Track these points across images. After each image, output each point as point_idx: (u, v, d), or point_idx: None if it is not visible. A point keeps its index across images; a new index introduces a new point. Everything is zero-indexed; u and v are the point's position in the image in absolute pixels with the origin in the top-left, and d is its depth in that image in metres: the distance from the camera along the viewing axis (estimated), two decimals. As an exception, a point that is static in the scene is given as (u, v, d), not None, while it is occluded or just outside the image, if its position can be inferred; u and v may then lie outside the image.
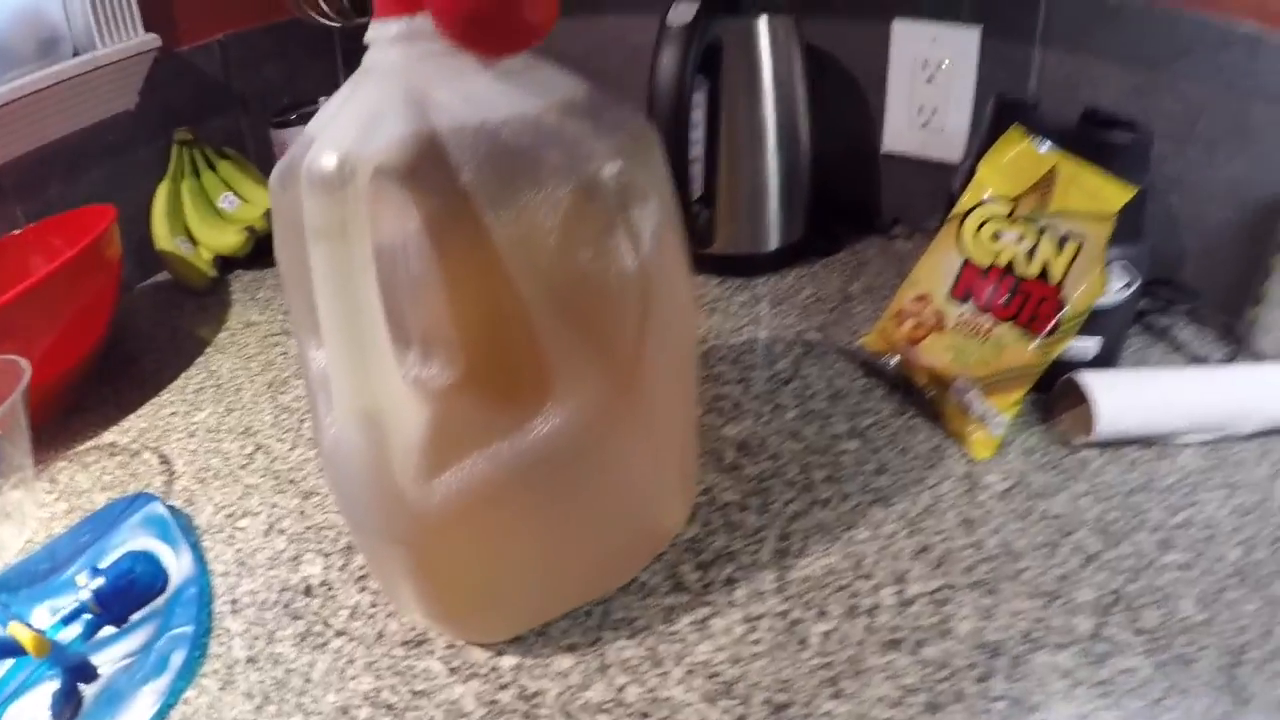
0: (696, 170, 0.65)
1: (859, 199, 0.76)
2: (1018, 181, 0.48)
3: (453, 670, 0.38)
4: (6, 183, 0.71)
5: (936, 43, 0.63)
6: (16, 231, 0.71)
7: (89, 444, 0.60)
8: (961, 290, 0.49)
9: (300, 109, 0.75)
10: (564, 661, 0.38)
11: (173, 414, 0.61)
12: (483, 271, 0.29)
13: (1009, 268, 0.47)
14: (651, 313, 0.33)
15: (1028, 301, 0.46)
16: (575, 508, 0.36)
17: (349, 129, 0.29)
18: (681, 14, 0.57)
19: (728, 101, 0.62)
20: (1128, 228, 0.46)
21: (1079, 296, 0.45)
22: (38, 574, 0.50)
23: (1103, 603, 0.37)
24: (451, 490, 0.31)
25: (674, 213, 0.36)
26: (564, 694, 0.36)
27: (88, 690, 0.42)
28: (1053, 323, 0.45)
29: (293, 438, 0.57)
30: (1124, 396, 0.45)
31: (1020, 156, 0.49)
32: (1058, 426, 0.48)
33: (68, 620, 0.44)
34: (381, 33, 0.31)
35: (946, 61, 0.63)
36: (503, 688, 0.37)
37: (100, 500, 0.55)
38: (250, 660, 0.41)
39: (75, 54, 0.75)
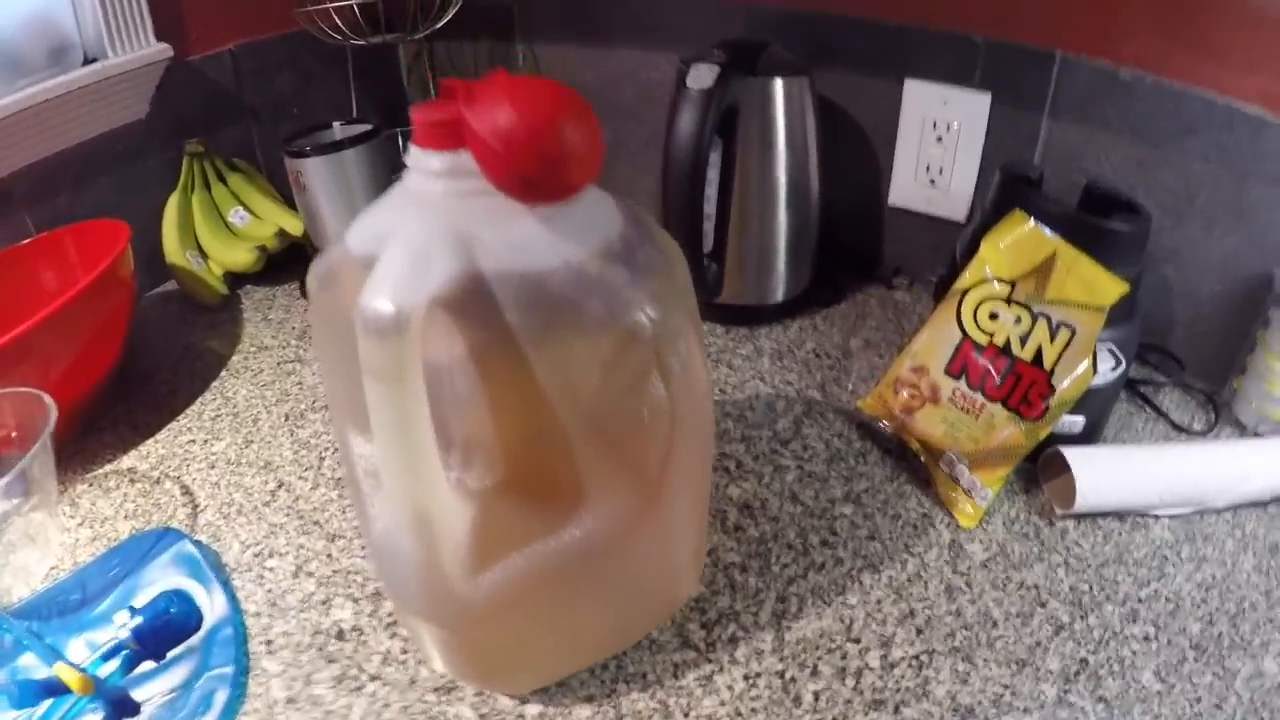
0: (708, 226, 0.71)
1: (862, 248, 0.83)
2: (1018, 264, 0.54)
3: (481, 716, 0.45)
4: (17, 191, 0.76)
5: (947, 105, 0.69)
6: (26, 241, 0.76)
7: (108, 468, 0.66)
8: (958, 367, 0.56)
9: (313, 134, 0.80)
10: (583, 711, 0.44)
11: (191, 441, 0.67)
12: (523, 394, 0.35)
13: (1005, 348, 0.54)
14: (678, 433, 0.39)
15: (1019, 383, 0.53)
16: (599, 591, 0.42)
17: (399, 270, 0.33)
18: (701, 78, 0.63)
19: (741, 160, 0.69)
20: (1120, 310, 0.52)
21: (1068, 386, 0.52)
22: (69, 605, 0.56)
23: (1069, 671, 0.44)
24: (493, 587, 0.38)
25: (698, 330, 0.42)
26: (582, 742, 0.43)
27: None
28: (1041, 407, 0.52)
29: (313, 476, 0.63)
30: (1103, 474, 0.52)
31: (1022, 240, 0.54)
32: (1040, 497, 0.55)
33: (107, 656, 0.50)
34: (424, 162, 0.35)
35: (956, 123, 0.70)
36: (526, 734, 0.44)
37: (124, 529, 0.61)
38: (290, 700, 0.47)
39: (87, 62, 0.80)
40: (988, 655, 0.45)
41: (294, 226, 0.84)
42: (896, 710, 0.43)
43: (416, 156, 0.35)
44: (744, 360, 0.72)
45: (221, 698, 0.48)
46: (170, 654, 0.51)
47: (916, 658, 0.45)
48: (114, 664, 0.50)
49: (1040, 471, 0.56)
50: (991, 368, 0.54)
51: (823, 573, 0.52)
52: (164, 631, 0.51)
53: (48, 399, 0.57)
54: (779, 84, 0.67)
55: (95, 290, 0.64)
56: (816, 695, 0.44)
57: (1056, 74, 0.64)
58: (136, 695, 0.49)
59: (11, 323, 0.62)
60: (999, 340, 0.54)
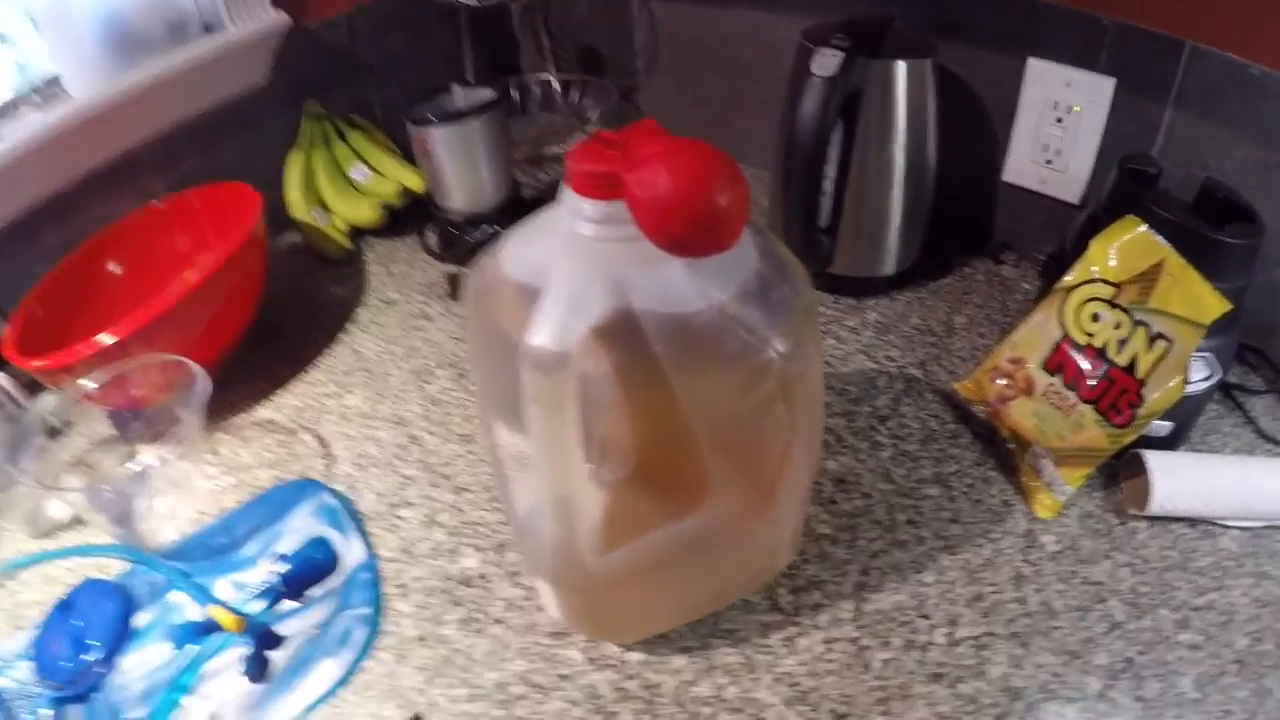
0: (824, 202, 0.79)
1: (974, 222, 0.90)
2: (1125, 267, 0.61)
3: (591, 660, 0.58)
4: (145, 160, 0.90)
5: (1070, 87, 0.75)
6: (157, 205, 0.89)
7: (245, 418, 0.81)
8: (1054, 363, 0.64)
9: (434, 98, 0.92)
10: (679, 661, 0.58)
11: (325, 395, 0.83)
12: (661, 406, 0.45)
13: (1102, 351, 0.61)
14: (795, 442, 0.50)
15: (1111, 388, 0.61)
16: (708, 567, 0.55)
17: (559, 312, 0.42)
18: (826, 65, 0.70)
19: (861, 140, 0.76)
20: (1221, 321, 0.58)
21: (1157, 398, 0.59)
22: (215, 548, 0.71)
23: (1115, 668, 0.54)
24: (618, 564, 0.51)
25: (816, 344, 0.53)
26: (678, 687, 0.56)
27: (275, 655, 0.62)
28: (1129, 415, 0.60)
29: (442, 431, 0.77)
30: (1180, 482, 0.60)
31: (1132, 244, 0.61)
32: (1118, 494, 0.64)
33: (255, 597, 0.64)
34: (580, 208, 0.43)
35: (1077, 106, 0.75)
36: (630, 678, 0.57)
37: (264, 477, 0.75)
38: (420, 639, 0.61)
39: (205, 30, 0.92)
40: (1043, 644, 0.56)
41: (416, 184, 0.97)
42: (953, 685, 0.54)
43: (573, 201, 0.43)
44: (849, 332, 0.82)
45: (360, 635, 0.62)
46: (311, 594, 0.66)
47: (978, 638, 0.56)
48: (261, 603, 0.64)
49: (1121, 469, 0.65)
50: (1087, 369, 0.62)
51: (905, 550, 0.62)
52: (307, 575, 0.66)
53: (196, 367, 0.71)
54: (902, 67, 0.74)
55: (235, 257, 0.78)
56: (884, 664, 0.56)
57: (1185, 64, 0.68)
58: (279, 630, 0.63)
59: (147, 280, 0.76)
60: (1098, 342, 0.62)
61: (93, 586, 0.68)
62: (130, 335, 0.72)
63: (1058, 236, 0.73)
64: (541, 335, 0.42)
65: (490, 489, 0.72)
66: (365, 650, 0.61)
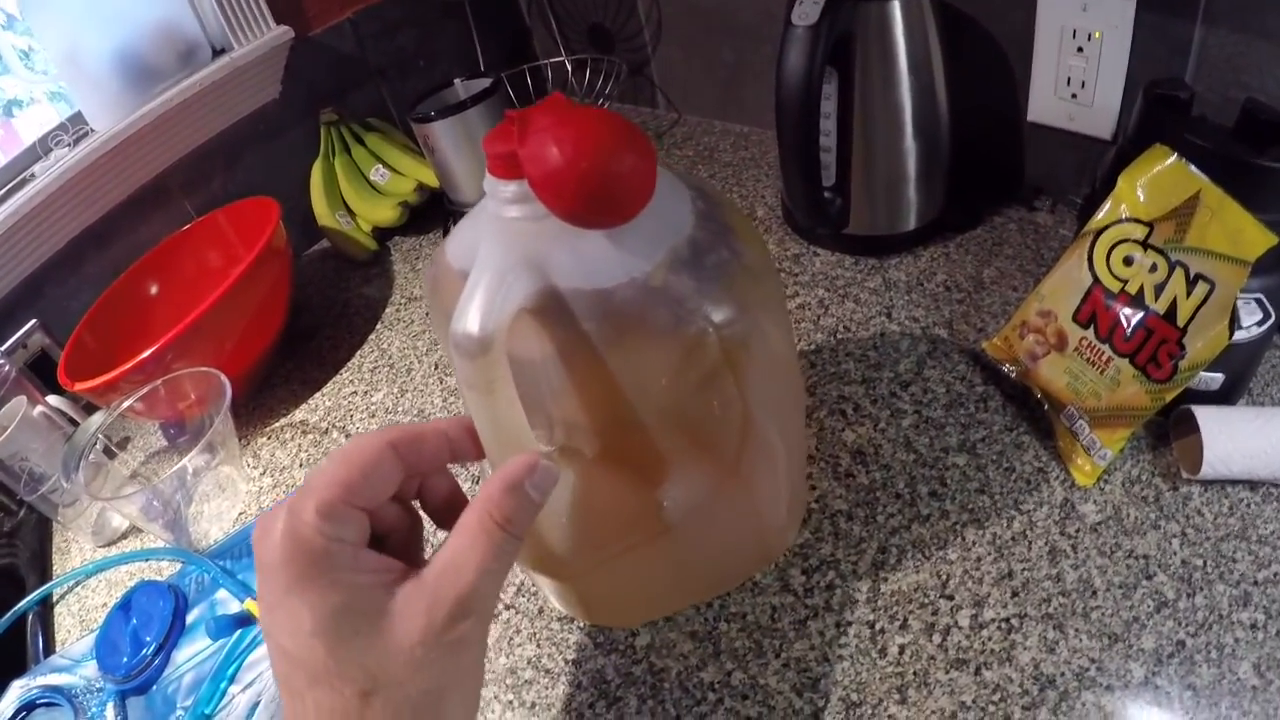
0: (829, 159, 0.72)
1: (1001, 167, 0.80)
2: (1157, 204, 0.52)
3: (597, 645, 0.54)
4: (173, 183, 0.91)
5: (1087, 11, 0.65)
6: (187, 227, 0.91)
7: (283, 421, 0.81)
8: (1086, 314, 0.55)
9: (437, 94, 0.88)
10: (686, 645, 0.53)
11: (353, 393, 0.81)
12: (605, 385, 0.41)
13: (1138, 297, 0.53)
14: (756, 412, 0.44)
15: (1149, 339, 0.52)
16: (688, 549, 0.50)
17: (481, 296, 0.38)
18: (806, 13, 0.63)
19: (861, 89, 0.68)
20: (1273, 255, 0.49)
21: (1201, 348, 0.50)
22: None
23: (1162, 652, 0.46)
24: (589, 547, 0.46)
25: (779, 305, 0.46)
26: (683, 672, 0.51)
27: None
28: (1169, 368, 0.51)
29: (461, 424, 0.74)
30: (1236, 439, 0.51)
31: (1162, 177, 0.52)
32: (1168, 456, 0.55)
33: None
34: (497, 190, 0.39)
35: (1098, 32, 0.65)
36: (636, 663, 0.53)
37: (299, 476, 0.75)
38: None
39: (217, 53, 0.91)
40: (1080, 626, 0.48)
41: (431, 179, 0.94)
42: (977, 672, 0.47)
43: (490, 184, 0.40)
44: (871, 294, 0.74)
45: None
46: None
47: (1007, 620, 0.49)
48: None
49: (1171, 429, 0.56)
50: (1122, 318, 0.53)
51: (927, 525, 0.55)
52: None
53: (222, 376, 0.72)
54: (896, 6, 0.65)
55: (255, 268, 0.77)
56: (901, 649, 0.49)
57: (1213, -27, 0.58)
58: None
59: (186, 301, 0.76)
60: (1132, 288, 0.53)
61: (147, 587, 0.70)
62: (163, 352, 0.72)
63: (1093, 177, 0.63)
64: (462, 320, 0.38)
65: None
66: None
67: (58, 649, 0.71)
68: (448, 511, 0.40)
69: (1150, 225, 0.52)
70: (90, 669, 0.66)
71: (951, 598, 0.51)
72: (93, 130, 0.87)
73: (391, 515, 0.38)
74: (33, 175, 0.87)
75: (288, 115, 0.96)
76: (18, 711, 0.65)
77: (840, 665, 0.49)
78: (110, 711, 0.62)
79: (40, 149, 0.90)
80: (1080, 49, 0.67)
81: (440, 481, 0.41)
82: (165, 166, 0.89)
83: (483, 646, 0.36)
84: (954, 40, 0.69)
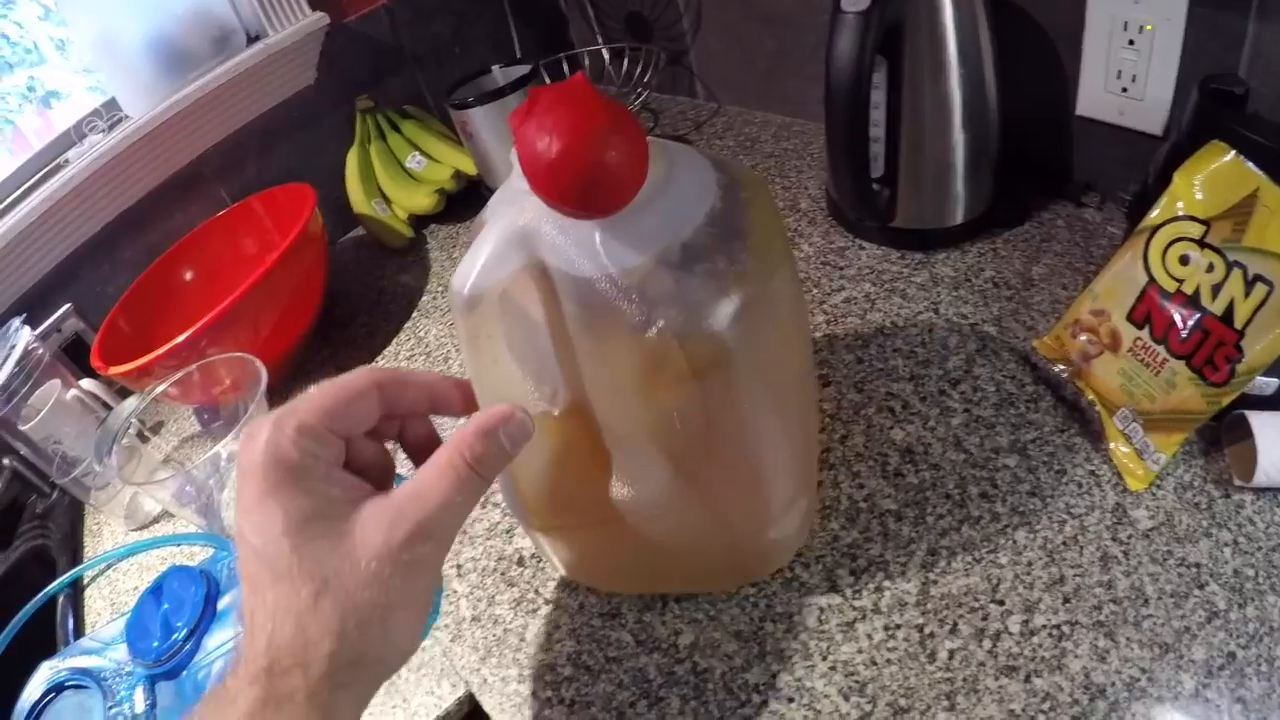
0: (877, 150, 0.72)
1: (1049, 162, 0.79)
2: (1214, 201, 0.52)
3: (639, 643, 0.55)
4: (208, 169, 0.92)
5: (1139, 4, 0.64)
6: (222, 213, 0.92)
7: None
8: (1141, 314, 0.55)
9: (475, 80, 0.89)
10: (731, 645, 0.53)
11: (390, 383, 0.82)
12: (575, 365, 0.43)
13: (1194, 298, 0.53)
14: (721, 434, 0.46)
15: (1206, 341, 0.52)
16: (646, 543, 0.51)
17: (480, 259, 0.41)
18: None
19: (910, 79, 0.68)
20: None
21: (1259, 351, 0.50)
22: None
23: (1213, 664, 0.46)
24: (562, 506, 0.50)
25: (775, 331, 0.47)
26: (728, 673, 0.52)
27: None
28: (1226, 371, 0.51)
29: (495, 415, 0.75)
30: (1292, 445, 0.51)
31: (1219, 174, 0.52)
32: (1221, 462, 0.55)
33: None
34: (513, 159, 0.40)
35: (1150, 25, 0.64)
36: (679, 662, 0.53)
37: None
38: (475, 619, 0.60)
39: (251, 40, 0.93)
40: (1131, 635, 0.48)
41: (469, 166, 0.95)
42: (1027, 679, 0.47)
43: (512, 154, 0.41)
44: (918, 289, 0.74)
45: None
46: None
47: (1058, 627, 0.49)
48: None
49: (1224, 434, 0.56)
50: (1178, 319, 0.53)
51: (977, 527, 0.55)
52: None
53: (258, 362, 0.72)
54: (945, -7, 0.65)
55: (291, 254, 0.79)
56: (951, 654, 0.49)
57: (1268, -34, 0.57)
58: None
59: (221, 286, 0.78)
60: (1188, 288, 0.53)
61: (179, 572, 0.71)
62: (198, 337, 0.74)
63: (1143, 173, 0.63)
64: (457, 276, 0.41)
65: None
66: (425, 630, 0.60)
67: (88, 632, 0.73)
68: (423, 452, 0.43)
69: (1207, 224, 0.52)
70: (120, 652, 0.67)
71: (1002, 602, 0.51)
72: (127, 116, 0.89)
73: (368, 452, 0.41)
74: (67, 161, 0.89)
75: (323, 102, 0.97)
76: (46, 693, 0.67)
77: (888, 669, 0.50)
78: (139, 695, 0.63)
79: (75, 134, 0.91)
80: (1131, 42, 0.66)
81: (420, 426, 0.45)
82: (200, 152, 0.91)
83: (435, 574, 0.40)
84: (1003, 30, 0.69)
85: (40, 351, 0.81)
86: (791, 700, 0.50)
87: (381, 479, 0.42)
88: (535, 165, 0.37)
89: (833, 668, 0.51)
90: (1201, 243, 0.52)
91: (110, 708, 0.63)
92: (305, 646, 0.35)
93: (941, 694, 0.48)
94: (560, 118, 0.37)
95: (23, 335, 0.81)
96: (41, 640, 0.72)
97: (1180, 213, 0.53)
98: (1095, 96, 0.72)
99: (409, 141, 0.99)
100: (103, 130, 0.88)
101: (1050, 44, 0.73)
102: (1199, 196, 0.53)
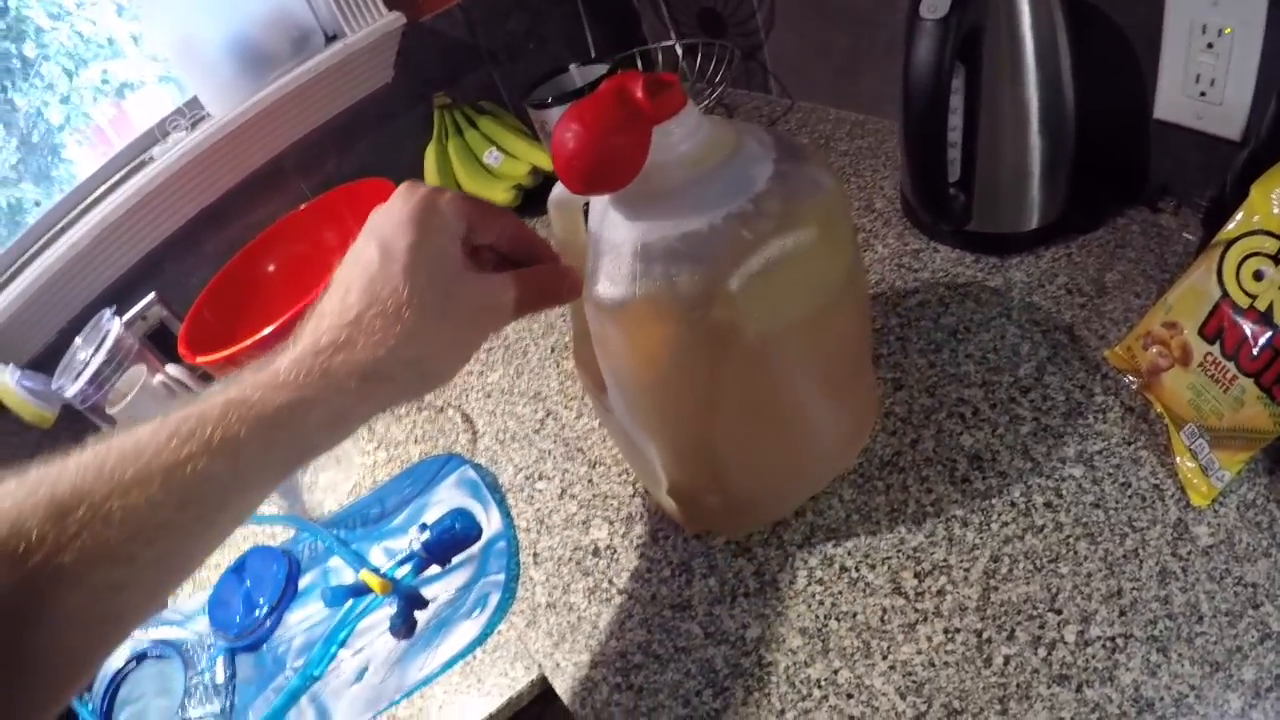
0: (954, 154, 0.75)
1: (1125, 166, 0.81)
2: None
3: (708, 635, 0.60)
4: (288, 164, 0.99)
5: (1218, 6, 0.65)
6: (303, 206, 0.99)
7: (399, 398, 0.88)
8: (1213, 329, 0.57)
9: (553, 79, 0.94)
10: (795, 641, 0.58)
11: (469, 373, 0.88)
12: None
13: (1267, 314, 0.54)
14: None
15: (1276, 360, 0.53)
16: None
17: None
18: (935, 5, 0.65)
19: (987, 84, 0.71)
20: None
21: None
22: (370, 517, 0.80)
23: (1262, 685, 0.48)
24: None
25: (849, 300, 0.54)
26: (791, 668, 0.57)
27: (420, 616, 0.69)
28: None
29: (578, 405, 0.81)
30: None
31: None
32: None
33: (402, 562, 0.72)
34: None
35: (1229, 28, 0.65)
36: (745, 654, 0.58)
37: (414, 452, 0.83)
38: (550, 605, 0.66)
39: (329, 39, 0.99)
40: (1183, 651, 0.51)
41: (545, 162, 1.00)
42: (1079, 689, 0.51)
43: None
44: (991, 294, 0.77)
45: (494, 599, 0.68)
46: (454, 560, 0.73)
47: (1112, 639, 0.52)
48: (407, 568, 0.72)
49: None
50: (1250, 335, 0.55)
51: (1040, 536, 0.59)
52: (449, 543, 0.73)
53: None
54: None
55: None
56: (1006, 660, 0.53)
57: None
58: (425, 593, 0.71)
59: (302, 279, 0.84)
60: (1261, 304, 0.54)
61: (261, 552, 0.78)
62: (284, 328, 0.80)
63: (1220, 179, 0.65)
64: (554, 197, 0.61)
65: (621, 462, 0.75)
66: (500, 615, 0.67)
67: (170, 604, 0.80)
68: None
69: None
70: (201, 625, 0.75)
71: (1060, 612, 0.55)
72: (209, 115, 0.96)
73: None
74: (151, 158, 0.97)
75: (400, 99, 1.03)
76: (129, 661, 0.74)
77: (945, 672, 0.54)
78: (220, 666, 0.71)
79: (159, 132, 0.99)
80: (1210, 45, 0.67)
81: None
82: (280, 149, 0.97)
83: (476, 345, 0.51)
84: (1081, 32, 0.70)
85: (130, 341, 0.89)
86: (850, 696, 0.55)
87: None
88: (556, 160, 0.47)
89: (892, 667, 0.55)
90: (1277, 259, 0.54)
91: (191, 677, 0.71)
92: (379, 329, 0.44)
93: (995, 698, 0.52)
94: (570, 117, 0.46)
95: (115, 325, 0.89)
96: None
97: (1256, 226, 0.55)
98: (1173, 100, 0.73)
99: (486, 137, 1.04)
100: (185, 129, 0.96)
101: (1128, 46, 0.74)
102: (1277, 211, 0.54)
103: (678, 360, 0.54)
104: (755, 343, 0.52)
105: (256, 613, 0.73)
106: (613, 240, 0.52)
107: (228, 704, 0.69)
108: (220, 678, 0.70)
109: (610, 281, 0.51)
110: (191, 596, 0.78)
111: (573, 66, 0.93)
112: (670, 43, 1.15)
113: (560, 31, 1.09)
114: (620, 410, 0.60)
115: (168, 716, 0.69)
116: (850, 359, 0.62)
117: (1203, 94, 0.70)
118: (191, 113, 0.99)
